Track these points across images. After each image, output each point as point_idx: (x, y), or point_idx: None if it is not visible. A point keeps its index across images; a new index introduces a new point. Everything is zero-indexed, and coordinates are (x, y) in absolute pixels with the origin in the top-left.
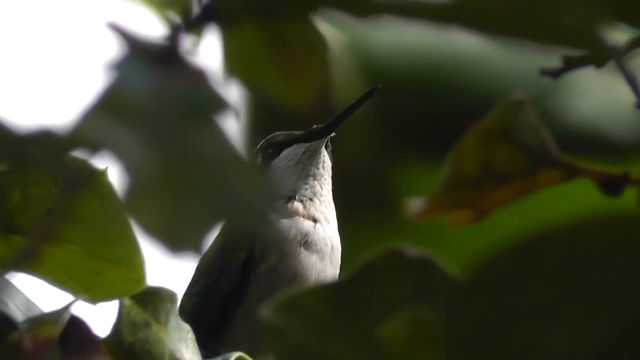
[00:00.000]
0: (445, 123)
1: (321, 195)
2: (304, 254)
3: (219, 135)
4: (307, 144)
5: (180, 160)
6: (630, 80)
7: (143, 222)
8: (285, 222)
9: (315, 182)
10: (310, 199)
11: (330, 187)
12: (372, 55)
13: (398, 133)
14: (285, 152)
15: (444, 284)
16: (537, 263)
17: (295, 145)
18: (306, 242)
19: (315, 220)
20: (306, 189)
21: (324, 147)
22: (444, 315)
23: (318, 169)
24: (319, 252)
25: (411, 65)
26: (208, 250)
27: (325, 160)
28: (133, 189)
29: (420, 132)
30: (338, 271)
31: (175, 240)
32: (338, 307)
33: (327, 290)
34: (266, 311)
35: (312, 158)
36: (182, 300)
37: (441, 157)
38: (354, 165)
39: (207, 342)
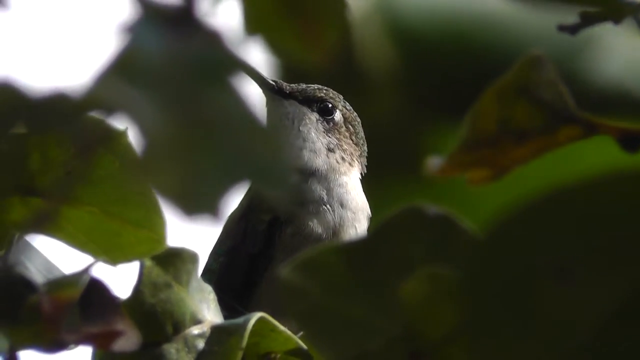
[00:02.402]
0: (473, 82)
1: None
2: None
3: (235, 97)
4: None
5: (196, 122)
6: None
7: (159, 185)
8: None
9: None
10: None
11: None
12: (400, 15)
13: (426, 93)
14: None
15: (463, 241)
16: (553, 221)
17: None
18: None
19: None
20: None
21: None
22: (461, 273)
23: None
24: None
25: (438, 25)
26: (235, 209)
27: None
28: (148, 152)
29: (448, 91)
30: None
31: (192, 204)
32: (357, 266)
33: (346, 249)
34: (285, 271)
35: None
36: (209, 259)
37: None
38: (382, 124)
39: (230, 303)
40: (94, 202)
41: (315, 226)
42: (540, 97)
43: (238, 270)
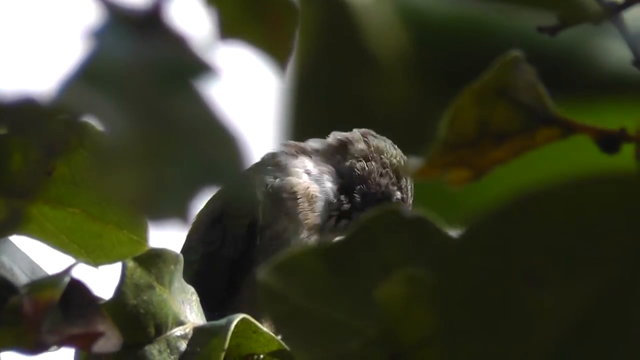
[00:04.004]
0: (487, 65)
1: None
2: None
3: (201, 102)
4: None
5: (161, 128)
6: (625, 37)
7: (124, 192)
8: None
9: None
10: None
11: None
12: None
13: (439, 76)
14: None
15: (438, 243)
16: (528, 223)
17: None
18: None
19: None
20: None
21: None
22: (435, 275)
23: None
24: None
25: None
26: (199, 216)
27: None
28: (114, 157)
29: (461, 75)
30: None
31: (159, 210)
32: (335, 268)
33: (324, 251)
34: (263, 273)
35: None
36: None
37: None
38: (393, 109)
39: (212, 306)
40: (75, 203)
41: (294, 229)
42: (519, 99)
43: (218, 276)
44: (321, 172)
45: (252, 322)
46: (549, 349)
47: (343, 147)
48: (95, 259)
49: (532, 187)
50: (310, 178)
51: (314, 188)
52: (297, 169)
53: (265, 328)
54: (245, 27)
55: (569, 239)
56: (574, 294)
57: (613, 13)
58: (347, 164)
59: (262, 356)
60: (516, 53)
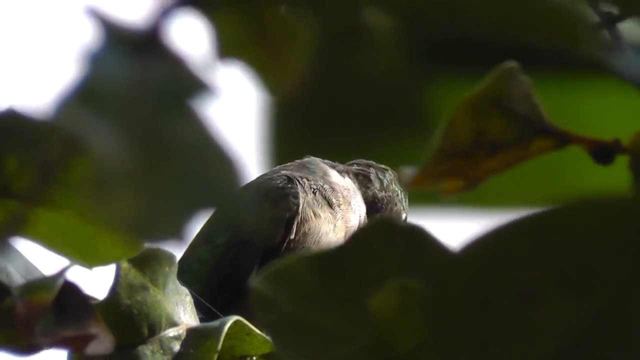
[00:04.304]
0: (478, 36)
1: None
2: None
3: (198, 123)
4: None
5: (157, 149)
6: (621, 49)
7: (119, 214)
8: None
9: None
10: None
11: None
12: None
13: (428, 47)
14: None
15: (434, 254)
16: (526, 242)
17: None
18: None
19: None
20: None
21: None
22: (430, 287)
23: None
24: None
25: None
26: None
27: None
28: (108, 181)
29: (452, 45)
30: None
31: (155, 232)
32: (328, 276)
33: (317, 259)
34: (256, 281)
35: None
36: (194, 250)
37: (474, 71)
38: (382, 79)
39: (206, 306)
40: (70, 205)
41: (327, 230)
42: (514, 109)
43: (248, 263)
44: (356, 192)
45: (245, 325)
46: None
47: (364, 177)
48: (90, 261)
49: (531, 207)
50: (350, 193)
51: (353, 201)
52: (340, 182)
53: (258, 331)
54: (244, 48)
55: (565, 259)
56: (569, 314)
57: (609, 24)
58: (370, 193)
59: (254, 358)
60: (512, 64)
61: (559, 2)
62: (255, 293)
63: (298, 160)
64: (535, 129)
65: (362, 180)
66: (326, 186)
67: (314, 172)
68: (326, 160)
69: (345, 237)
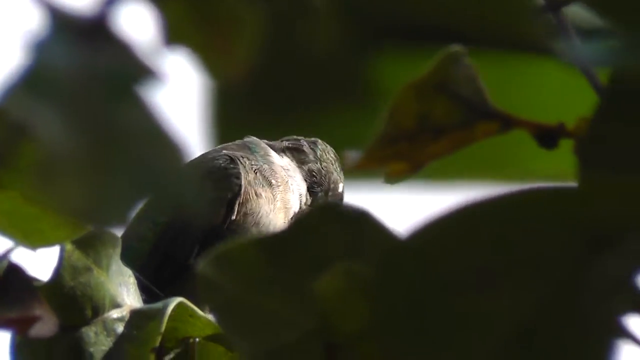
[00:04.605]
0: (421, 20)
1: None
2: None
3: (144, 109)
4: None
5: (102, 136)
6: (566, 33)
7: (64, 201)
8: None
9: None
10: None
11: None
12: None
13: (370, 20)
14: None
15: (379, 239)
16: (472, 231)
17: None
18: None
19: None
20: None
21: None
22: (374, 271)
23: None
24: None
25: None
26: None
27: None
28: (54, 167)
29: (396, 19)
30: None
31: (99, 218)
32: (274, 260)
33: (263, 243)
34: (202, 265)
35: None
36: (135, 226)
37: (419, 46)
38: (322, 53)
39: (149, 287)
40: (15, 187)
41: (268, 210)
42: (459, 93)
43: (189, 243)
44: (295, 171)
45: (189, 306)
46: (487, 357)
47: (297, 151)
48: (34, 242)
49: (475, 197)
50: (289, 173)
51: (292, 181)
52: (278, 162)
53: (201, 312)
54: (190, 35)
55: (514, 246)
56: (516, 301)
57: (554, 8)
58: (306, 168)
59: (198, 340)
60: (456, 48)
61: None
62: (201, 276)
63: (239, 140)
64: (480, 113)
65: (298, 156)
66: (266, 166)
67: (255, 152)
68: (264, 140)
69: (284, 217)
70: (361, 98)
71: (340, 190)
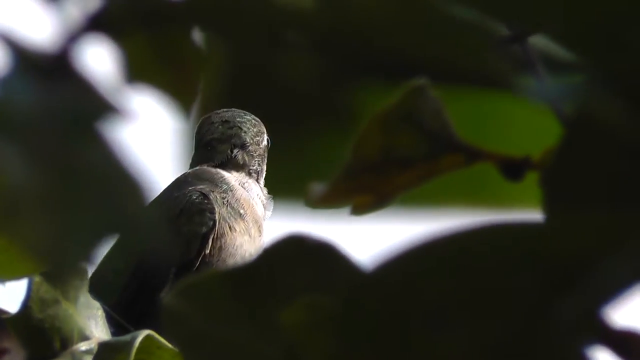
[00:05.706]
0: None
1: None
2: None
3: (107, 147)
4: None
5: (64, 174)
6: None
7: (25, 240)
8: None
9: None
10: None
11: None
12: None
13: (350, 54)
14: None
15: (344, 271)
16: (435, 265)
17: None
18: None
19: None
20: None
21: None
22: (339, 304)
23: None
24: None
25: None
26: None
27: None
28: (15, 206)
29: (375, 53)
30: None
31: (61, 257)
32: (239, 292)
33: (228, 275)
34: (168, 297)
35: None
36: (109, 262)
37: (397, 78)
38: (301, 85)
39: (118, 320)
40: None
41: (241, 242)
42: (424, 126)
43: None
44: (245, 178)
45: (156, 339)
46: None
47: (233, 164)
48: (1, 275)
49: (438, 232)
50: (245, 187)
51: (252, 194)
52: (234, 182)
53: (169, 344)
54: (153, 72)
55: (475, 281)
56: (477, 336)
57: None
58: (247, 169)
59: None
60: (422, 80)
61: (463, 23)
62: (167, 308)
63: (190, 170)
64: (445, 145)
65: (236, 164)
66: (231, 197)
67: (217, 184)
68: (204, 164)
69: (258, 231)
70: (339, 126)
71: (265, 143)
